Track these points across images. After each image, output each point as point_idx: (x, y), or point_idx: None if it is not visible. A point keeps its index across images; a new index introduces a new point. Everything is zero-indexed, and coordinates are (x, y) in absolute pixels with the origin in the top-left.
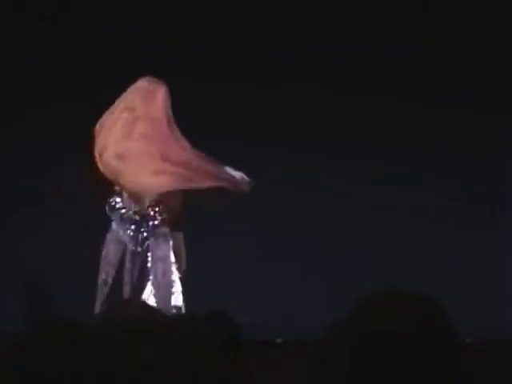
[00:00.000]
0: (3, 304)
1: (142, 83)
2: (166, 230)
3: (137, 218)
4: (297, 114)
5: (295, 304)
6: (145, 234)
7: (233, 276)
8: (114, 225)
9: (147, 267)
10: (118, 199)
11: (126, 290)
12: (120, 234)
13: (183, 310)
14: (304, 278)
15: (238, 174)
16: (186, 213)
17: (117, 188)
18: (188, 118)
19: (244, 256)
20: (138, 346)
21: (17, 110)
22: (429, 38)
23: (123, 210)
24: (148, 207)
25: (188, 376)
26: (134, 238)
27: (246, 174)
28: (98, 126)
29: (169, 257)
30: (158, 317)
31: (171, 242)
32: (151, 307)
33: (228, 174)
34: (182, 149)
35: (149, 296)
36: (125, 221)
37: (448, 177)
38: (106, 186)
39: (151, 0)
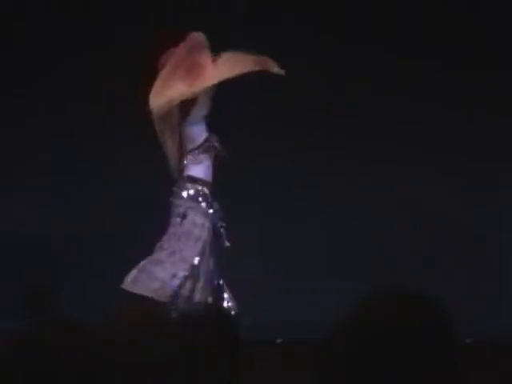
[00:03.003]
0: (3, 303)
1: None
2: None
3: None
4: (297, 114)
5: (295, 304)
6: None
7: (233, 275)
8: None
9: None
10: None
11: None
12: None
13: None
14: (304, 277)
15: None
16: None
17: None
18: None
19: (244, 256)
20: (138, 346)
21: (17, 110)
22: (429, 38)
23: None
24: None
25: (188, 376)
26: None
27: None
28: None
29: None
30: (159, 317)
31: None
32: (151, 307)
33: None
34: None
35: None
36: None
37: (448, 177)
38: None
39: (151, 0)
